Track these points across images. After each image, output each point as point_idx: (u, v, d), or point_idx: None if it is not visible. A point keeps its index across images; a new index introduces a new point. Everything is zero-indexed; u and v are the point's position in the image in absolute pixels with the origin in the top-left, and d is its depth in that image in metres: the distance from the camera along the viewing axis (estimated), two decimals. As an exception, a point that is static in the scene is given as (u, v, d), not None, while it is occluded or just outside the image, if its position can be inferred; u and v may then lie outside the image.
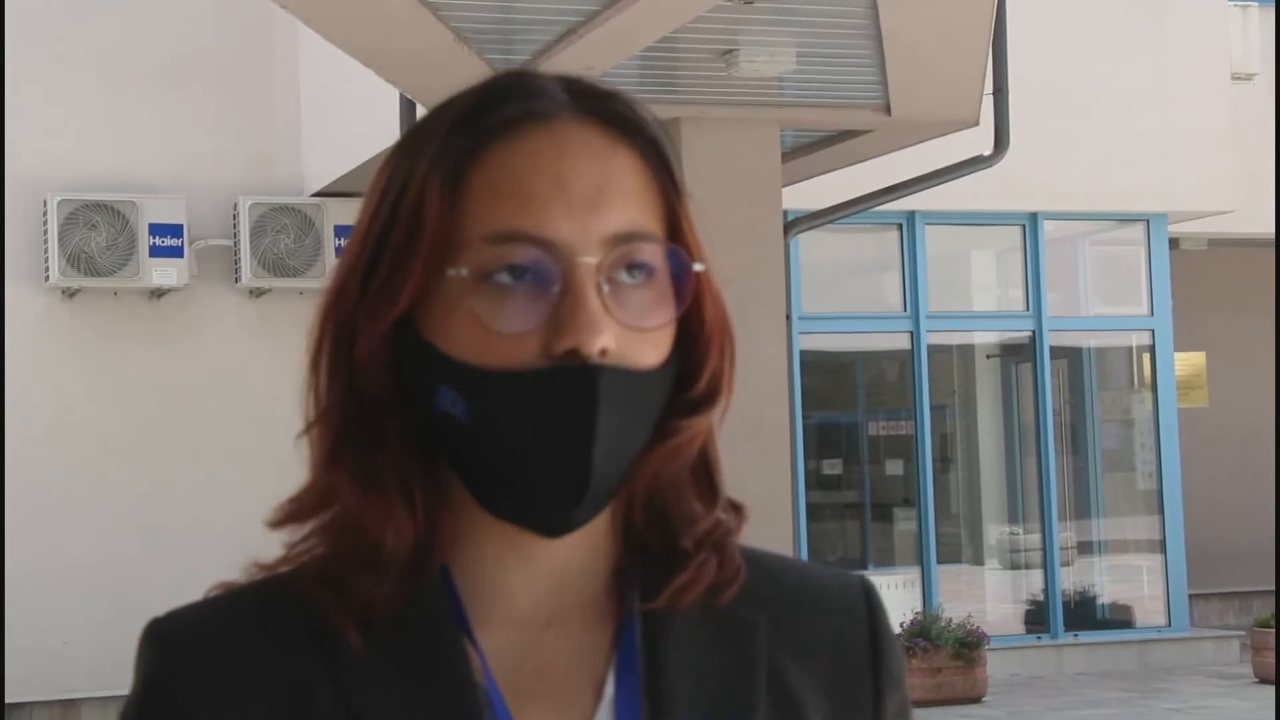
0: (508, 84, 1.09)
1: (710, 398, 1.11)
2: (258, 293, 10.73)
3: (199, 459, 10.53)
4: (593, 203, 1.05)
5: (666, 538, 1.12)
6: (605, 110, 1.09)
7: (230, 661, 1.07)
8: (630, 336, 1.05)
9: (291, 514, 1.11)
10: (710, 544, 1.12)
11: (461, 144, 1.07)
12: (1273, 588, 14.23)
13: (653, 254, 1.07)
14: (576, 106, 1.08)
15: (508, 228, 1.05)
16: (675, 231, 1.09)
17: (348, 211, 10.58)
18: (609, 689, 1.09)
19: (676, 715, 1.08)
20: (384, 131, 9.00)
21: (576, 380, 1.03)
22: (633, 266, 1.06)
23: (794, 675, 1.13)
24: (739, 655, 1.11)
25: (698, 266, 1.09)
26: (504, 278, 1.04)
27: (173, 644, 1.09)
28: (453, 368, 1.05)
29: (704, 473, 1.14)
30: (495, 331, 1.04)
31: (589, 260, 1.04)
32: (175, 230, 10.39)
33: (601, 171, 1.07)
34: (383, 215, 1.09)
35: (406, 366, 1.08)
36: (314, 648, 1.07)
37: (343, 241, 10.31)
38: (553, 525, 1.06)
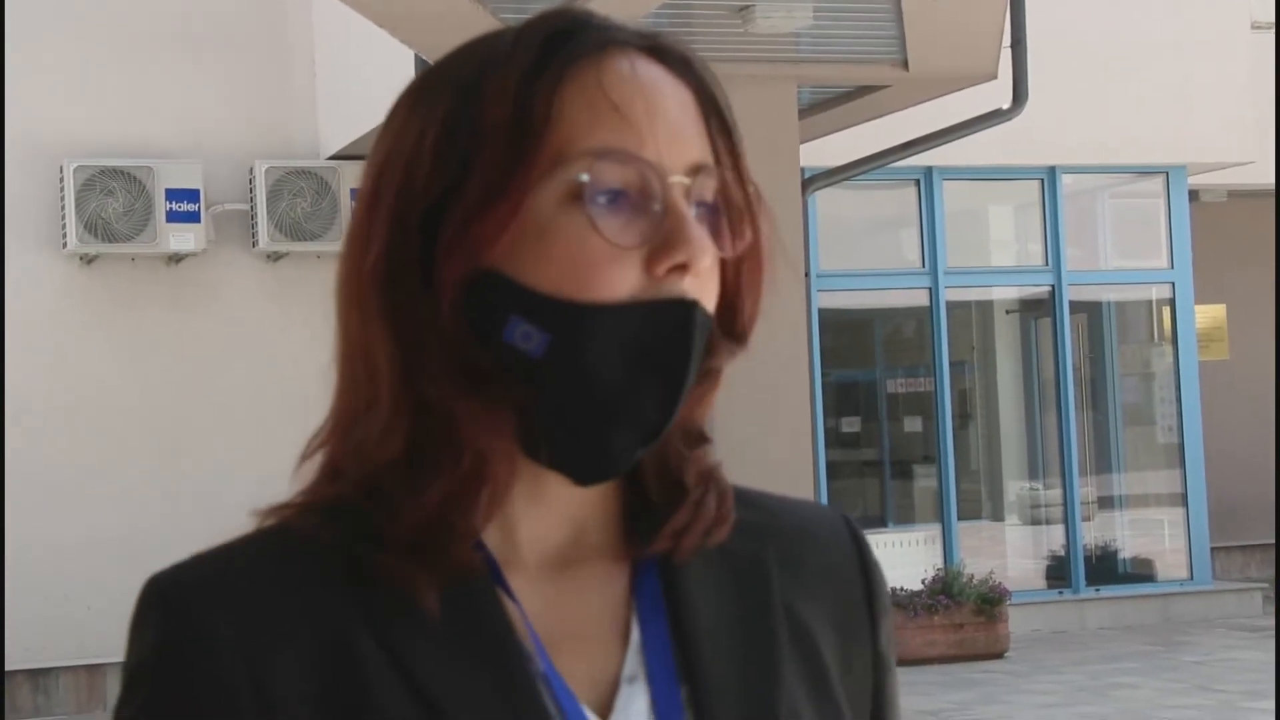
0: (574, 14, 1.08)
1: (744, 337, 1.11)
2: (275, 257, 10.73)
3: (218, 423, 10.55)
4: (677, 129, 1.05)
5: (664, 478, 1.11)
6: (662, 49, 1.08)
7: (261, 606, 1.03)
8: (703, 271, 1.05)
9: (368, 454, 1.06)
10: (704, 483, 1.11)
11: (554, 64, 1.04)
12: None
13: (717, 189, 1.06)
14: (637, 43, 1.08)
15: (611, 144, 1.03)
16: (732, 169, 1.08)
17: (364, 174, 10.57)
18: (635, 634, 1.09)
19: (704, 656, 1.08)
20: (399, 94, 8.97)
21: (677, 312, 1.03)
22: (700, 198, 1.06)
23: (803, 608, 1.13)
24: (755, 590, 1.12)
25: (762, 204, 1.08)
26: (603, 198, 1.02)
27: (195, 598, 1.03)
28: (533, 299, 1.02)
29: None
30: (595, 252, 1.02)
31: (684, 180, 1.04)
32: (192, 195, 10.38)
33: (677, 101, 1.06)
34: (457, 146, 1.04)
35: (469, 304, 1.04)
36: (349, 594, 1.04)
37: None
38: (605, 470, 1.05)
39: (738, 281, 1.09)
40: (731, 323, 1.09)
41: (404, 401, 1.05)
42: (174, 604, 1.04)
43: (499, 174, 1.03)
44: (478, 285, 1.03)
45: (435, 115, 1.07)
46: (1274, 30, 12.72)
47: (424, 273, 1.04)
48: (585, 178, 1.02)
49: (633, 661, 1.08)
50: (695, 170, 1.05)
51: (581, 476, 1.05)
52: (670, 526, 1.09)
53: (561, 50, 1.05)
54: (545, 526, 1.09)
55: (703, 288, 1.04)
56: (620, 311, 1.02)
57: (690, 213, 1.03)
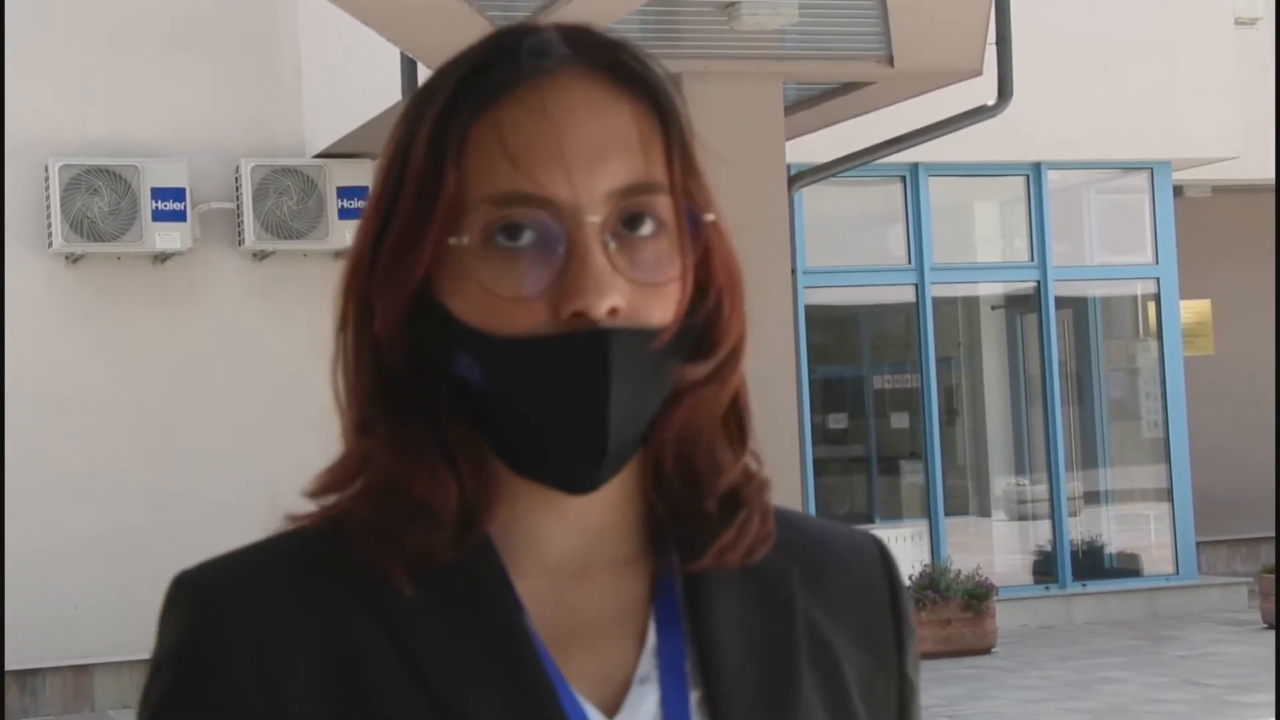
0: (507, 41, 1.08)
1: (720, 349, 1.10)
2: (261, 255, 10.72)
3: (204, 422, 10.54)
4: (594, 158, 1.04)
5: (696, 490, 1.12)
6: (607, 60, 1.07)
7: (276, 606, 1.06)
8: (641, 292, 1.04)
9: (329, 484, 1.10)
10: (748, 500, 1.12)
11: (462, 108, 1.06)
12: (1280, 534, 14.26)
13: (658, 206, 1.05)
14: (577, 58, 1.07)
15: (508, 189, 1.03)
16: (683, 182, 1.07)
17: (350, 172, 10.57)
18: (651, 636, 1.10)
19: (724, 665, 1.09)
20: (385, 91, 8.97)
21: (588, 345, 1.03)
22: (639, 220, 1.05)
23: (826, 625, 1.14)
24: (777, 604, 1.12)
25: (708, 217, 1.08)
26: (508, 241, 1.04)
27: (212, 595, 1.07)
28: (466, 333, 1.05)
29: (735, 424, 1.13)
30: (501, 297, 1.03)
31: (593, 219, 1.03)
32: (178, 194, 10.37)
33: (602, 125, 1.05)
34: (390, 183, 1.08)
35: (426, 332, 1.07)
36: (362, 594, 1.06)
37: (345, 203, 10.18)
38: (578, 485, 1.06)
39: (706, 294, 1.09)
40: (708, 335, 1.09)
41: (349, 416, 1.10)
42: (193, 601, 1.08)
43: (413, 217, 1.05)
44: (426, 315, 1.07)
45: (390, 148, 1.09)
46: (1274, 30, 12.77)
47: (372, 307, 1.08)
48: (484, 225, 1.03)
49: (646, 663, 1.09)
50: (624, 194, 1.04)
51: (564, 489, 1.07)
52: (718, 544, 1.10)
53: (476, 89, 1.05)
54: (556, 533, 1.10)
55: (646, 303, 1.04)
56: (537, 344, 1.03)
57: (596, 252, 1.02)
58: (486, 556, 1.08)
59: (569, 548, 1.11)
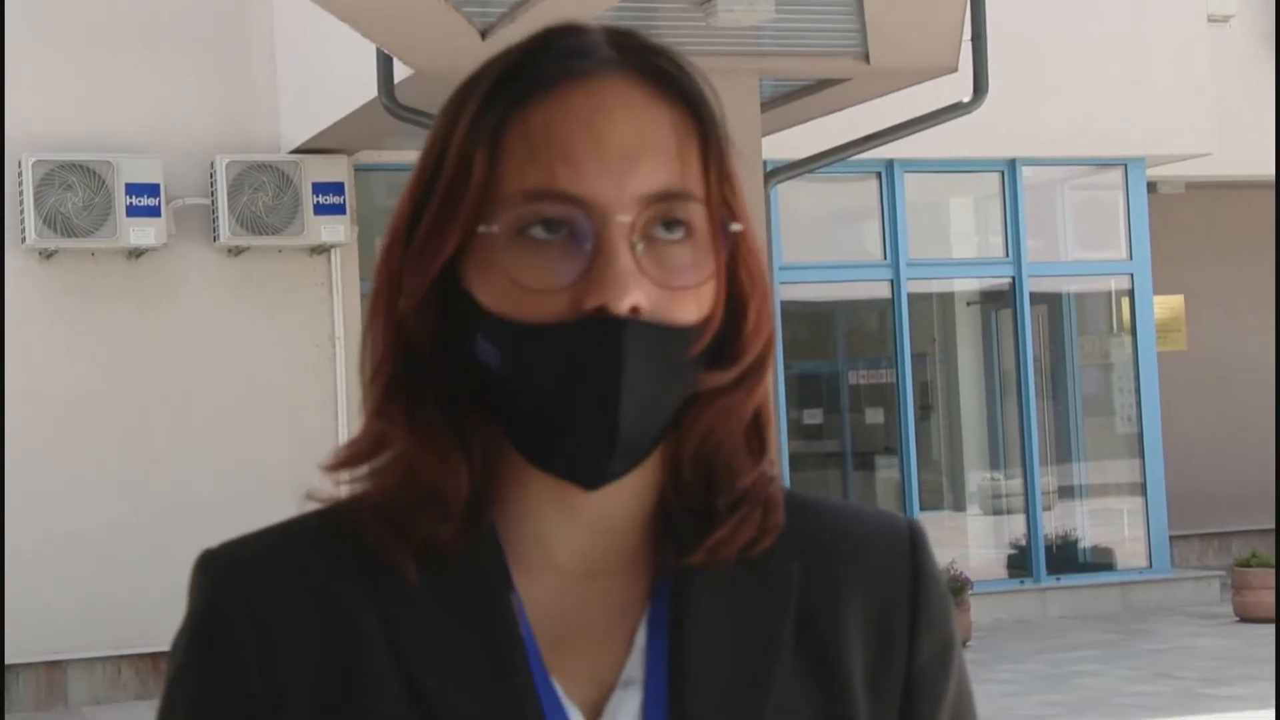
0: (552, 40, 1.10)
1: (744, 359, 1.11)
2: (236, 251, 10.69)
3: (179, 419, 10.51)
4: (629, 160, 1.05)
5: (712, 492, 1.12)
6: (648, 65, 1.09)
7: (278, 588, 1.10)
8: (667, 295, 1.05)
9: (347, 459, 1.12)
10: (753, 499, 1.12)
11: (502, 101, 1.08)
12: (1252, 527, 14.34)
13: (691, 213, 1.07)
14: (619, 62, 1.08)
15: (543, 185, 1.05)
16: (716, 190, 1.08)
17: (325, 168, 10.55)
18: (640, 639, 1.10)
19: (696, 666, 1.09)
20: (361, 87, 8.95)
21: (602, 334, 1.04)
22: (671, 224, 1.06)
23: (826, 622, 1.13)
24: (767, 604, 1.12)
25: (735, 226, 1.09)
26: (538, 233, 1.06)
27: (222, 572, 1.12)
28: (487, 319, 1.07)
29: (755, 430, 1.14)
30: (526, 287, 1.05)
31: (623, 219, 1.05)
32: (152, 190, 10.33)
33: (639, 128, 1.07)
34: (427, 171, 1.10)
35: (450, 317, 1.10)
36: (365, 578, 1.09)
37: (321, 199, 10.10)
38: (588, 477, 1.07)
39: (732, 309, 1.10)
40: (734, 342, 1.10)
41: (371, 395, 1.12)
42: (208, 580, 1.13)
43: (447, 201, 1.08)
44: (453, 300, 1.09)
45: (430, 136, 1.12)
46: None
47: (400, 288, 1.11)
48: (515, 218, 1.06)
49: (633, 666, 1.10)
50: (657, 199, 1.05)
51: (575, 481, 1.07)
52: (708, 542, 1.11)
53: (516, 84, 1.08)
54: (566, 529, 1.11)
55: (672, 305, 1.05)
56: (554, 330, 1.05)
57: (623, 251, 1.04)
58: (491, 550, 1.09)
59: (577, 547, 1.11)
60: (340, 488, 1.13)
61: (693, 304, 1.07)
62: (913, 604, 1.16)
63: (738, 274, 1.10)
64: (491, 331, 1.07)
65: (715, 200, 1.08)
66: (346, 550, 1.10)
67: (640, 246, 1.05)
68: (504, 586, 1.09)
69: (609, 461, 1.06)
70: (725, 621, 1.11)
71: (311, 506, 1.13)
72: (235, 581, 1.11)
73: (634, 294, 1.04)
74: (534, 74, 1.08)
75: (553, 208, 1.05)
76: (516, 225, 1.06)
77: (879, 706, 1.14)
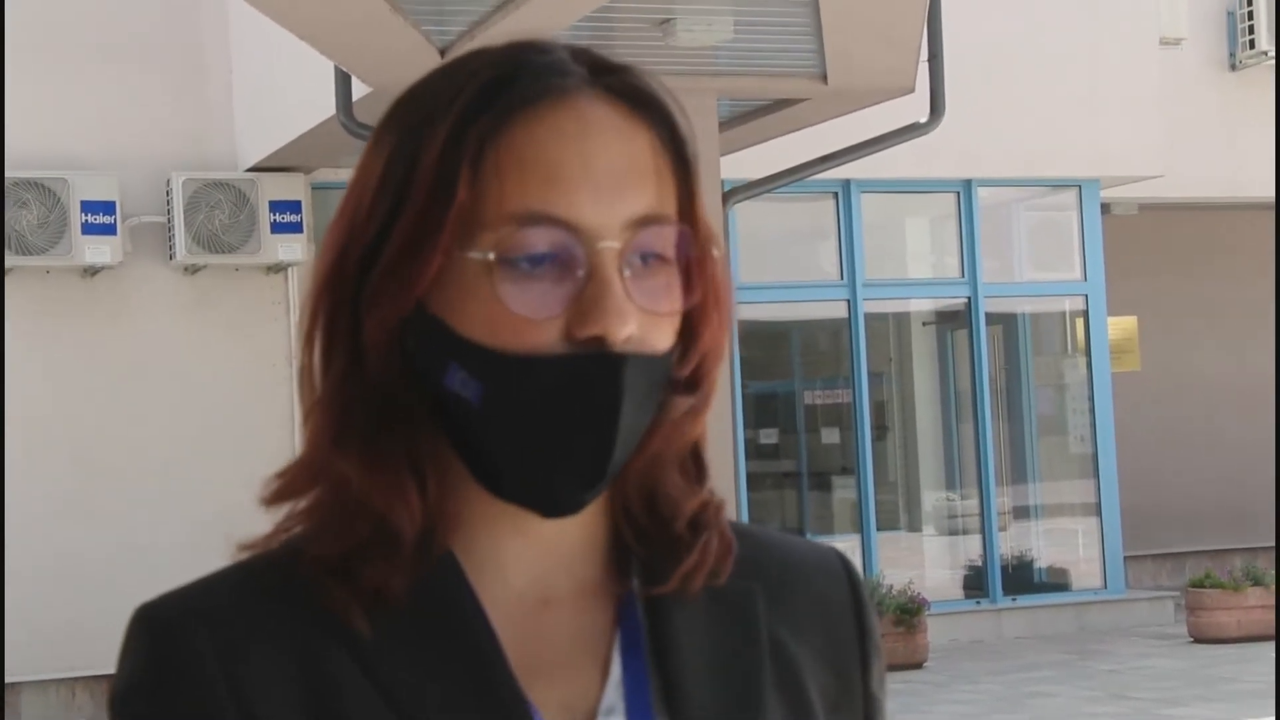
0: (524, 56, 1.06)
1: (707, 382, 1.10)
2: (192, 269, 10.64)
3: (134, 438, 10.44)
4: (617, 184, 1.03)
5: (658, 515, 1.11)
6: (621, 85, 1.06)
7: (245, 635, 1.04)
8: (650, 321, 1.03)
9: (281, 491, 1.07)
10: (707, 524, 1.11)
11: (482, 119, 1.03)
12: (1205, 548, 14.43)
13: (670, 238, 1.05)
14: (592, 81, 1.05)
15: (535, 209, 1.01)
16: (687, 211, 1.07)
17: (282, 187, 10.51)
18: (615, 668, 1.08)
19: (687, 690, 1.08)
20: (318, 106, 8.93)
21: (602, 368, 1.01)
22: (651, 250, 1.04)
23: (791, 644, 1.13)
24: (741, 626, 1.11)
25: (717, 252, 1.07)
26: (525, 259, 1.01)
27: (175, 622, 1.05)
28: (466, 348, 1.02)
29: (692, 450, 1.12)
30: (517, 315, 1.01)
31: (613, 245, 1.02)
32: (108, 207, 10.28)
33: (624, 151, 1.04)
34: (390, 190, 1.04)
35: (414, 345, 1.05)
36: (329, 627, 1.04)
37: (277, 217, 10.03)
38: (562, 506, 1.05)
39: (692, 331, 1.08)
40: (683, 370, 1.08)
41: (315, 424, 1.07)
42: (158, 629, 1.05)
43: (421, 229, 1.02)
44: (417, 326, 1.04)
45: (384, 153, 1.06)
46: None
47: (355, 311, 1.05)
48: (505, 243, 1.01)
49: (612, 694, 1.08)
50: (640, 223, 1.03)
51: (544, 510, 1.05)
52: (681, 569, 1.09)
53: (498, 101, 1.03)
54: (522, 557, 1.08)
55: (651, 331, 1.03)
56: (546, 363, 1.01)
57: (615, 278, 1.01)
58: (455, 578, 1.06)
59: (532, 572, 1.09)
60: (271, 535, 1.07)
61: (669, 329, 1.05)
62: (860, 631, 1.17)
63: (707, 298, 1.08)
64: (471, 361, 1.02)
65: (693, 221, 1.06)
66: (295, 599, 1.05)
67: (627, 272, 1.02)
68: (476, 609, 1.06)
69: (591, 492, 1.04)
70: (706, 647, 1.09)
71: (244, 555, 1.08)
72: (194, 630, 1.04)
73: (631, 322, 1.01)
74: (516, 91, 1.03)
75: (545, 233, 1.01)
76: (504, 251, 1.01)
77: None
